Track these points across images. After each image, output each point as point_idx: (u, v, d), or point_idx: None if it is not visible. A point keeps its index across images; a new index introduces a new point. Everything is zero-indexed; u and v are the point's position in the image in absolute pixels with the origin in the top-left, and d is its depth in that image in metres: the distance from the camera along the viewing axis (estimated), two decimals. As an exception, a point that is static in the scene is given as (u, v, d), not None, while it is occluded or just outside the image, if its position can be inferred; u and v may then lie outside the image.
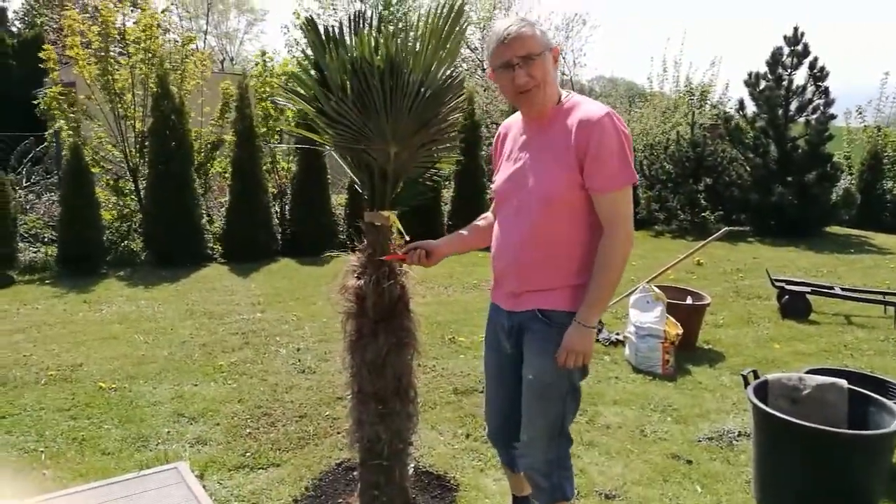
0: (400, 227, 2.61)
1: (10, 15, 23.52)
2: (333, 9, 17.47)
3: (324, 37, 2.34)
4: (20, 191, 8.83)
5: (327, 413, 3.72)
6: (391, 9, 17.99)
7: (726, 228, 6.49)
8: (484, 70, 13.79)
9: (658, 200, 11.39)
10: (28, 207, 8.57)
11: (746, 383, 3.07)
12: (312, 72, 2.41)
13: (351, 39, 2.38)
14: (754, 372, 3.16)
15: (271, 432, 3.47)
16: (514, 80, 2.09)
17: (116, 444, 3.32)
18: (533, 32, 2.09)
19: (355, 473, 2.90)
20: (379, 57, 2.26)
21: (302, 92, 2.44)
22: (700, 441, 3.52)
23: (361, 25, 2.37)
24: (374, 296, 2.54)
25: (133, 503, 2.62)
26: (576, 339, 2.09)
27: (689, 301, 5.17)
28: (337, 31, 2.34)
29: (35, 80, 15.13)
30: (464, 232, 2.60)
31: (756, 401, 2.91)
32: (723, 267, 8.14)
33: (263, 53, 9.53)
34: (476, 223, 2.55)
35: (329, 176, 8.81)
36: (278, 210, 8.84)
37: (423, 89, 2.32)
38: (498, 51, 2.11)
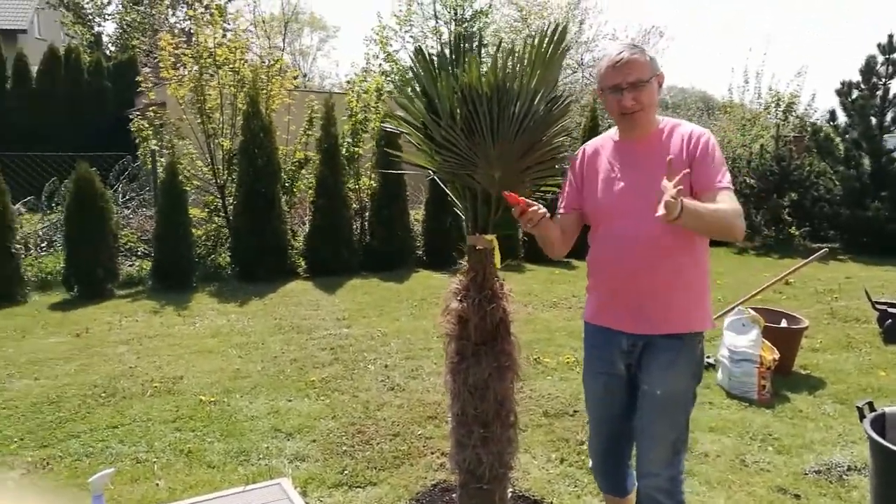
0: (497, 250, 2.61)
1: (105, 39, 24.96)
2: (410, 24, 17.77)
3: (434, 64, 2.39)
4: (116, 207, 9.31)
5: (420, 432, 3.75)
6: (465, 25, 18.19)
7: (825, 248, 6.22)
8: None
9: (741, 216, 11.05)
10: (124, 223, 9.02)
11: (862, 416, 2.91)
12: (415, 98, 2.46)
13: (453, 66, 2.43)
14: (870, 403, 2.99)
15: (366, 450, 3.52)
16: (621, 102, 2.16)
17: (220, 457, 3.44)
18: (644, 59, 2.18)
19: (454, 496, 2.91)
20: (486, 83, 2.28)
21: (410, 119, 2.49)
22: (807, 474, 3.36)
23: (464, 51, 2.42)
24: (476, 318, 2.55)
25: (242, 517, 2.71)
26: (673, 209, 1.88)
27: (784, 324, 4.96)
28: (444, 56, 2.38)
29: (128, 100, 16.06)
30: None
31: (874, 434, 2.76)
32: (813, 286, 7.77)
33: (365, 72, 9.80)
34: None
35: (407, 192, 8.94)
36: (357, 226, 9.01)
37: (528, 115, 2.33)
38: (609, 74, 2.19)
